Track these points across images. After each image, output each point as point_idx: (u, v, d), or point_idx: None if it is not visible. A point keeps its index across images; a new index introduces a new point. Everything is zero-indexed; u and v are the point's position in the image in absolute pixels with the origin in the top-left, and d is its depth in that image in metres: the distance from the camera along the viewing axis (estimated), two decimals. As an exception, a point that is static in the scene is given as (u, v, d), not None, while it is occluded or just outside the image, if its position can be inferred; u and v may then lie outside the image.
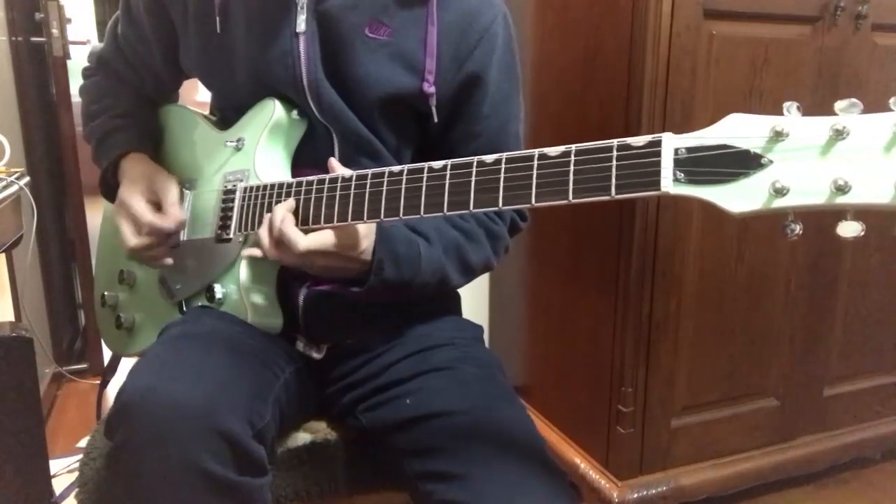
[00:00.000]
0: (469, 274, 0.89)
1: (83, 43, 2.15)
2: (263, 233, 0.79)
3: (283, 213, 0.77)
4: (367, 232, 0.78)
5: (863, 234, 0.50)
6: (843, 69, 1.38)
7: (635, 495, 1.38)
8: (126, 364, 0.91)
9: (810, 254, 1.45)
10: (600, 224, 1.39)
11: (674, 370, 1.38)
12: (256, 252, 0.81)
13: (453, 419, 0.80)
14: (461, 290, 1.01)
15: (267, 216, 0.79)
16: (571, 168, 0.59)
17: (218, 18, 0.88)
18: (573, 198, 0.59)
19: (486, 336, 1.05)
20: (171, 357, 0.76)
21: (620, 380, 1.36)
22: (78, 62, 2.06)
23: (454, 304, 1.03)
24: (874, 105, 0.51)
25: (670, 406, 1.40)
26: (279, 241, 0.77)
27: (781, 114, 0.52)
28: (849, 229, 0.51)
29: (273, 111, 0.87)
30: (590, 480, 1.44)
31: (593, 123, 1.38)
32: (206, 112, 1.04)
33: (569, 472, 1.49)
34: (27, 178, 1.37)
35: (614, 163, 0.57)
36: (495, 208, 0.64)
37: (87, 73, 1.08)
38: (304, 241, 0.75)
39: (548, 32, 1.52)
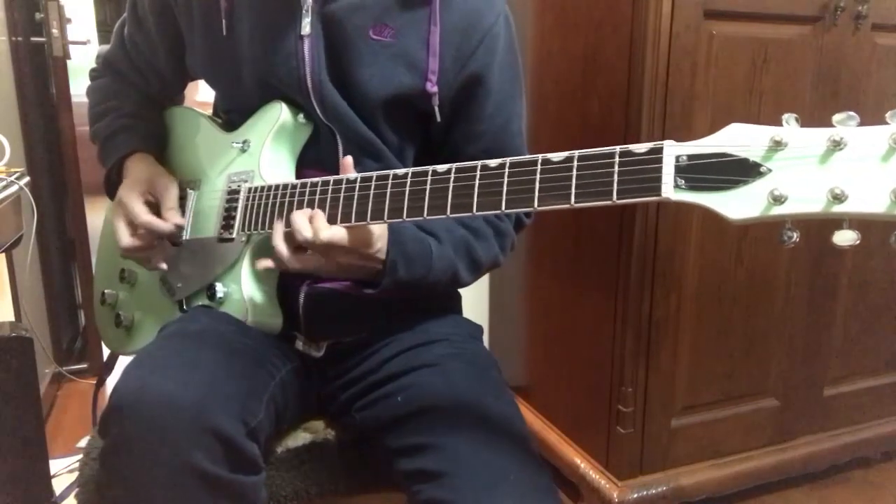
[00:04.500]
0: (478, 271, 0.90)
1: (83, 43, 2.14)
2: (279, 241, 0.79)
3: (310, 211, 0.77)
4: (381, 232, 0.79)
5: (858, 242, 0.52)
6: (843, 69, 1.37)
7: (635, 495, 1.38)
8: (123, 363, 0.91)
9: (810, 254, 1.45)
10: (601, 225, 1.39)
11: (674, 370, 1.38)
12: (269, 263, 0.81)
13: (437, 416, 0.80)
14: (462, 290, 1.01)
15: (278, 225, 0.80)
16: (574, 173, 0.60)
17: (224, 22, 0.89)
18: (575, 202, 0.60)
19: (485, 336, 1.05)
20: (162, 355, 0.76)
21: (620, 380, 1.36)
22: (78, 62, 2.06)
23: (455, 303, 1.03)
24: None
25: (670, 406, 1.40)
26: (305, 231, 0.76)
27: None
28: (845, 238, 0.52)
29: (279, 114, 0.88)
30: (590, 480, 1.44)
31: (593, 124, 1.38)
32: (208, 112, 1.04)
33: (568, 472, 1.49)
34: (27, 178, 1.38)
35: (616, 168, 0.58)
36: (498, 211, 0.65)
37: (94, 75, 1.09)
38: (327, 231, 0.75)
39: (548, 32, 1.52)
